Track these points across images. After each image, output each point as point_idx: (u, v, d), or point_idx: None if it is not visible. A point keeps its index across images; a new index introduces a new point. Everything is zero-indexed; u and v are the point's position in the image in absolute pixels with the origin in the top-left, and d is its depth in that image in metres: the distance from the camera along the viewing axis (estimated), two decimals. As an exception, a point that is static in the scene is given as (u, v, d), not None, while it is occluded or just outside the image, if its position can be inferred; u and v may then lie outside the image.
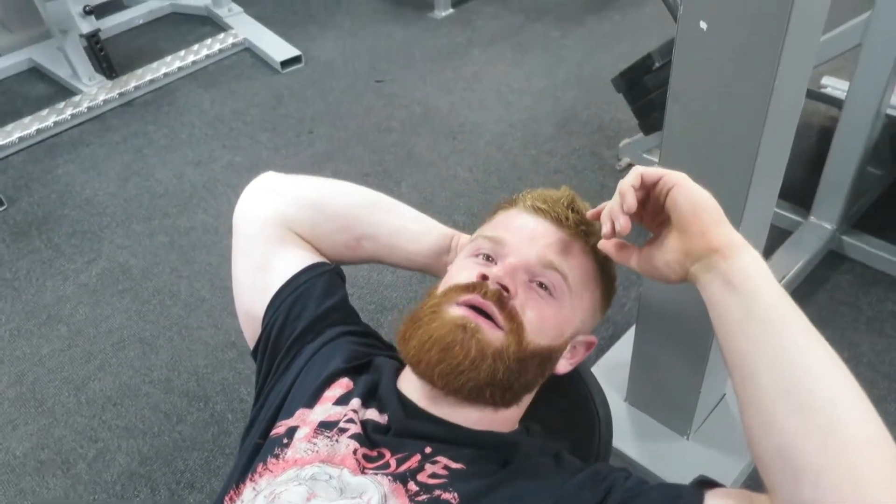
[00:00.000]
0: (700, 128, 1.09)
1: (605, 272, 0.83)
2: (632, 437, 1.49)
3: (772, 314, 0.59)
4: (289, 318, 0.85)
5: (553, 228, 0.79)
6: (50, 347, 1.95)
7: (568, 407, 0.92)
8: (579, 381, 0.92)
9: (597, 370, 1.59)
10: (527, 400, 0.81)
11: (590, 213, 0.76)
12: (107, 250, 2.24)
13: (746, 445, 0.60)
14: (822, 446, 0.52)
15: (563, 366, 0.82)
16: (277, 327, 0.85)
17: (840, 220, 1.97)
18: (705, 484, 0.62)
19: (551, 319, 0.76)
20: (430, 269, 0.94)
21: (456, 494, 0.65)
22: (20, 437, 1.72)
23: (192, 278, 2.12)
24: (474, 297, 0.73)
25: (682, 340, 1.32)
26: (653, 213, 0.70)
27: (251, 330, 0.89)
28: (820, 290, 1.91)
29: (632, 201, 0.65)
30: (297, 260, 0.89)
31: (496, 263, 0.78)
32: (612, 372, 1.57)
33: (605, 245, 0.72)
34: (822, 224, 1.99)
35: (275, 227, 0.90)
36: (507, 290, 0.73)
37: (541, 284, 0.76)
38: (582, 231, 0.80)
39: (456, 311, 0.73)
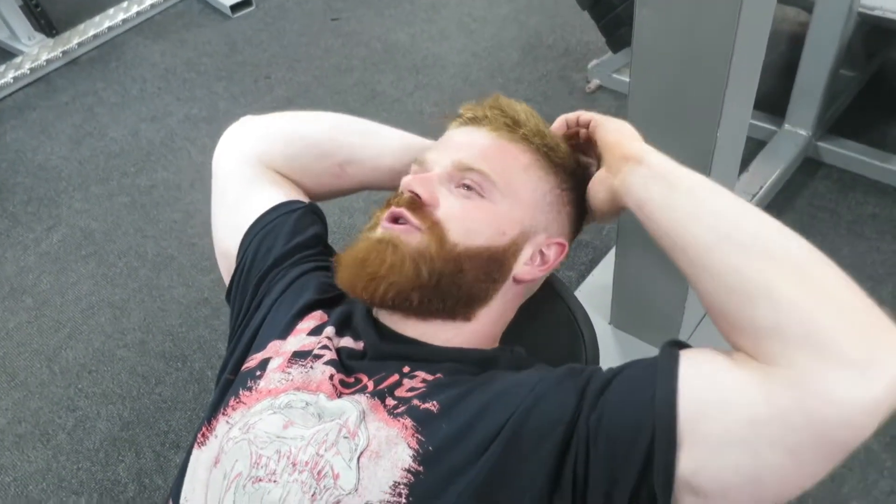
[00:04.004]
0: (671, 31, 1.03)
1: (554, 162, 0.77)
2: (619, 359, 1.46)
3: (690, 181, 0.64)
4: (258, 254, 0.83)
5: (474, 131, 0.77)
6: (16, 320, 1.88)
7: (551, 330, 0.89)
8: (561, 304, 0.90)
9: (579, 295, 1.57)
10: (491, 312, 0.75)
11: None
12: (66, 216, 2.16)
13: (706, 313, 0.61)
14: (768, 263, 0.55)
15: (529, 271, 0.75)
16: (247, 264, 0.84)
17: (815, 126, 1.93)
18: (677, 344, 0.61)
19: (480, 218, 0.72)
20: None
21: (435, 402, 0.63)
22: (-5, 413, 1.68)
23: (158, 237, 2.05)
24: (391, 210, 0.72)
25: (662, 258, 1.29)
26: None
27: (227, 271, 0.87)
28: (798, 198, 1.89)
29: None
30: (270, 197, 0.86)
31: None
32: (595, 296, 1.55)
33: None
34: (797, 131, 1.95)
35: (251, 166, 0.88)
36: (419, 196, 0.71)
37: (466, 187, 0.73)
38: (505, 124, 0.77)
39: (377, 231, 0.72)
